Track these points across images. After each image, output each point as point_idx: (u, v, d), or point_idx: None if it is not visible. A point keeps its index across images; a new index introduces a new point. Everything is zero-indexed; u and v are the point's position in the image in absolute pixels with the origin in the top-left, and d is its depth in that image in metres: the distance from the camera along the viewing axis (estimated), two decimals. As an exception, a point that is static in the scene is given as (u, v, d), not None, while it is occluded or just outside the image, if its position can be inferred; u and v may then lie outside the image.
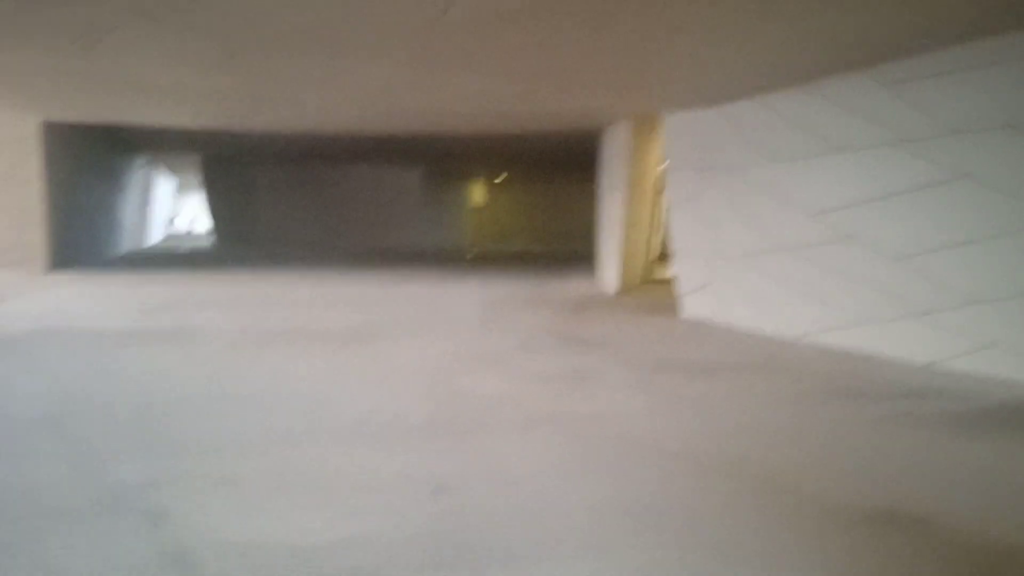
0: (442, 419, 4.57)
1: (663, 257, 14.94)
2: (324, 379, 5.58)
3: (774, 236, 7.59)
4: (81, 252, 15.58)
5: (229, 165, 22.69)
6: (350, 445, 4.04)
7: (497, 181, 28.90)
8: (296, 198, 23.17)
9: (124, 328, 7.70)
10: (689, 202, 8.87)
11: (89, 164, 15.90)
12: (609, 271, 12.12)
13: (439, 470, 3.62)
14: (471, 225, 28.49)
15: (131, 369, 5.81)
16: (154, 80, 8.18)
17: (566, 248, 25.10)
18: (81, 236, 15.68)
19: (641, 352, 6.83)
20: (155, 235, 26.56)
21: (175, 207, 34.86)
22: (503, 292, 11.60)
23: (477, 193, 28.99)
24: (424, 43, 6.14)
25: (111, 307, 9.26)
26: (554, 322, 8.57)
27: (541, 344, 7.14)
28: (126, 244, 19.66)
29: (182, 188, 32.20)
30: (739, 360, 6.60)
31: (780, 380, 5.82)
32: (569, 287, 12.58)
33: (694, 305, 8.93)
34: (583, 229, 29.32)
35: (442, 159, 20.82)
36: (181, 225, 37.46)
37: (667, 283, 13.16)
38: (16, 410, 4.63)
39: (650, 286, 12.66)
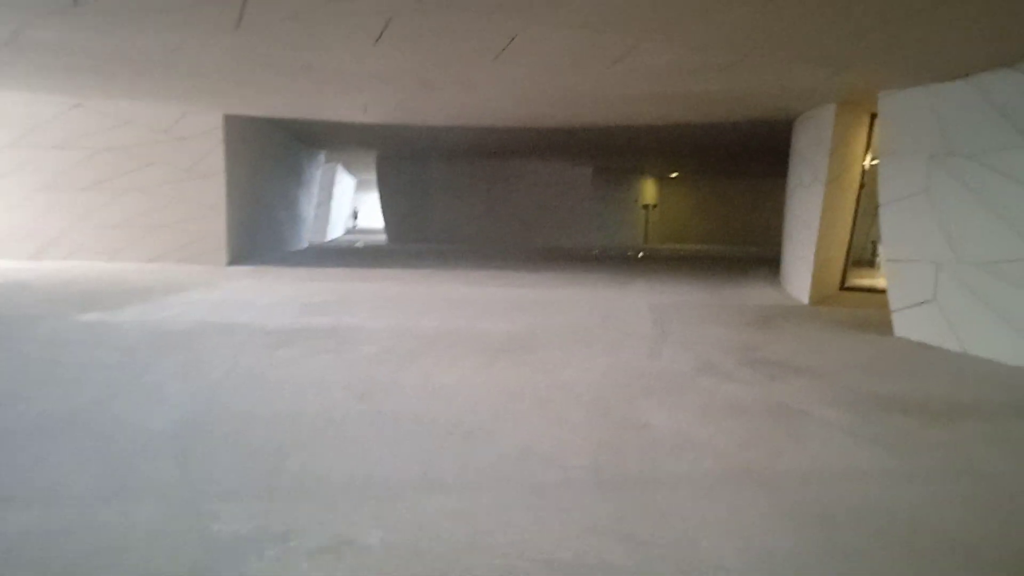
0: (610, 463, 3.72)
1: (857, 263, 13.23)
2: (477, 399, 4.90)
3: (1032, 241, 6.09)
4: (262, 245, 16.13)
5: (402, 162, 22.99)
6: (501, 496, 3.29)
7: (671, 177, 27.53)
8: (467, 195, 23.11)
9: (283, 326, 7.47)
10: (912, 197, 7.41)
11: (271, 159, 16.42)
12: (800, 277, 10.73)
13: (606, 551, 2.79)
14: (643, 223, 27.33)
15: (278, 375, 5.42)
16: (323, 64, 7.90)
17: (745, 250, 23.37)
18: (263, 230, 16.23)
19: (852, 383, 5.62)
20: (336, 230, 27.59)
21: (356, 203, 36.26)
22: (677, 298, 10.55)
23: (649, 190, 27.78)
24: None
25: (277, 303, 9.18)
26: (737, 338, 7.46)
27: (724, 366, 6.10)
28: (307, 238, 20.34)
29: (362, 185, 33.37)
30: (984, 399, 5.25)
31: (1050, 432, 4.48)
32: (752, 294, 11.29)
33: (912, 323, 7.48)
34: (764, 229, 27.39)
35: (614, 154, 19.89)
36: (362, 220, 38.98)
37: (869, 293, 11.56)
38: (143, 419, 4.29)
39: (848, 295, 11.12)
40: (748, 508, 3.19)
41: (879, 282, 12.90)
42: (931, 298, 7.20)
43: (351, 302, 9.43)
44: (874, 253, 16.42)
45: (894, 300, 7.72)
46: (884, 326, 8.12)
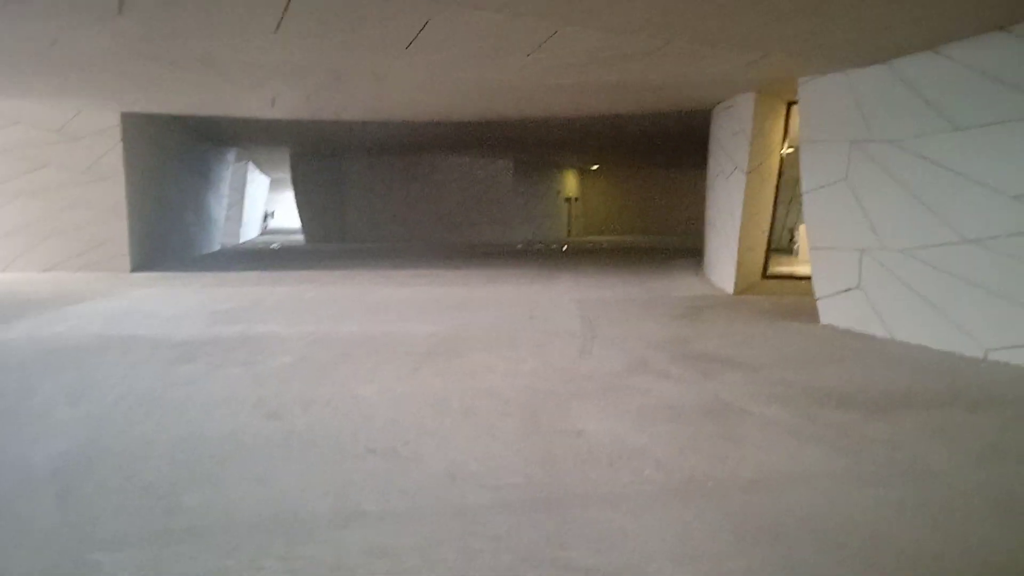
0: (544, 480, 3.44)
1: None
2: (399, 412, 4.55)
3: (954, 223, 6.09)
4: (169, 250, 15.28)
5: (318, 159, 22.27)
6: (427, 526, 2.96)
7: (592, 169, 27.60)
8: (386, 192, 22.56)
9: (189, 337, 6.93)
10: (834, 184, 7.40)
11: (176, 158, 15.56)
12: (724, 267, 10.73)
13: (543, 582, 2.50)
14: (565, 217, 27.29)
15: (179, 395, 4.94)
16: (224, 56, 7.36)
17: (667, 240, 23.58)
18: (169, 233, 15.37)
19: (786, 376, 5.51)
20: (250, 231, 26.57)
21: (270, 203, 35.10)
22: (603, 292, 10.39)
23: (571, 183, 27.76)
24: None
25: (184, 311, 8.59)
26: (667, 332, 7.31)
27: (657, 363, 5.92)
28: (219, 241, 19.45)
29: (278, 184, 32.28)
30: (918, 387, 5.20)
31: (991, 418, 4.42)
32: (677, 285, 11.24)
33: (837, 311, 7.48)
34: (684, 219, 27.73)
35: (535, 147, 19.70)
36: (279, 221, 37.77)
37: (789, 280, 11.68)
38: (22, 451, 3.78)
39: (770, 283, 11.18)
40: (695, 524, 2.95)
41: (798, 269, 13.08)
42: (856, 285, 7.20)
43: (264, 308, 8.90)
44: (791, 240, 16.72)
45: (819, 288, 7.71)
46: (809, 314, 8.12)
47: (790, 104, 10.40)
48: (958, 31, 5.75)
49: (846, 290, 7.33)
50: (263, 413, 4.51)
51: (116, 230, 13.17)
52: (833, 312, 7.53)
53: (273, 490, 3.33)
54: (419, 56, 7.15)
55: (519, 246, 20.27)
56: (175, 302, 9.41)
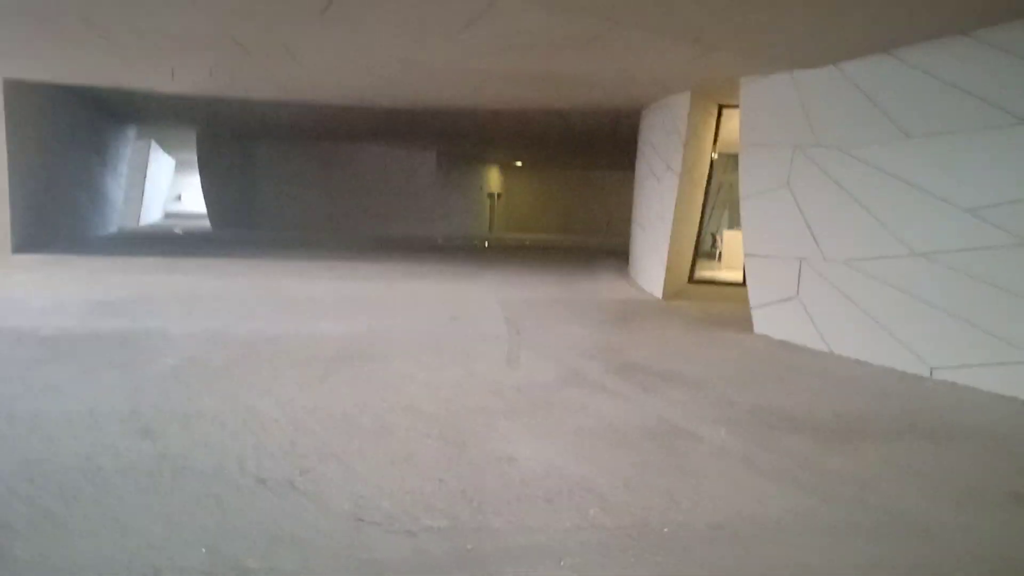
0: (471, 523, 2.87)
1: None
2: (300, 430, 3.89)
3: (901, 235, 5.82)
4: (58, 231, 13.96)
5: (227, 141, 21.01)
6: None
7: (516, 166, 27.16)
8: (299, 179, 21.47)
9: (62, 332, 6.05)
10: (775, 190, 7.08)
11: (66, 133, 14.21)
12: (652, 271, 10.39)
13: None
14: (487, 212, 26.76)
15: (36, 405, 4.14)
16: (107, 18, 6.48)
17: (589, 240, 23.34)
18: (58, 213, 14.04)
19: (730, 393, 5.10)
20: (152, 214, 24.96)
21: (176, 185, 33.26)
22: (528, 293, 9.89)
23: (495, 178, 27.25)
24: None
25: (61, 301, 7.62)
26: (598, 338, 6.85)
27: (590, 374, 5.43)
28: (116, 223, 18.05)
29: (185, 166, 30.54)
30: (870, 411, 4.87)
31: (956, 452, 4.10)
32: (604, 288, 10.84)
33: (773, 321, 7.19)
34: (607, 220, 27.62)
35: (459, 140, 19.06)
36: (184, 204, 35.89)
37: (715, 285, 11.47)
38: None
39: (696, 288, 10.92)
40: (655, 586, 2.45)
41: (722, 274, 12.93)
42: (794, 295, 6.90)
43: (156, 300, 8.00)
44: (713, 245, 16.65)
45: (754, 297, 7.40)
46: (742, 322, 7.82)
47: (721, 107, 10.15)
48: (916, 34, 5.47)
49: (783, 300, 7.03)
50: (134, 430, 3.78)
51: (-6, 208, 11.87)
52: (768, 322, 7.24)
53: (130, 537, 2.65)
54: (335, 29, 6.45)
55: (440, 240, 19.60)
56: (54, 289, 8.39)
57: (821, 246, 6.59)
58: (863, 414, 4.75)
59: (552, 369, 5.53)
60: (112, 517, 2.80)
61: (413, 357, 5.76)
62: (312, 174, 21.43)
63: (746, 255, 7.55)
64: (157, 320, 6.79)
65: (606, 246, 20.03)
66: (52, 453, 3.42)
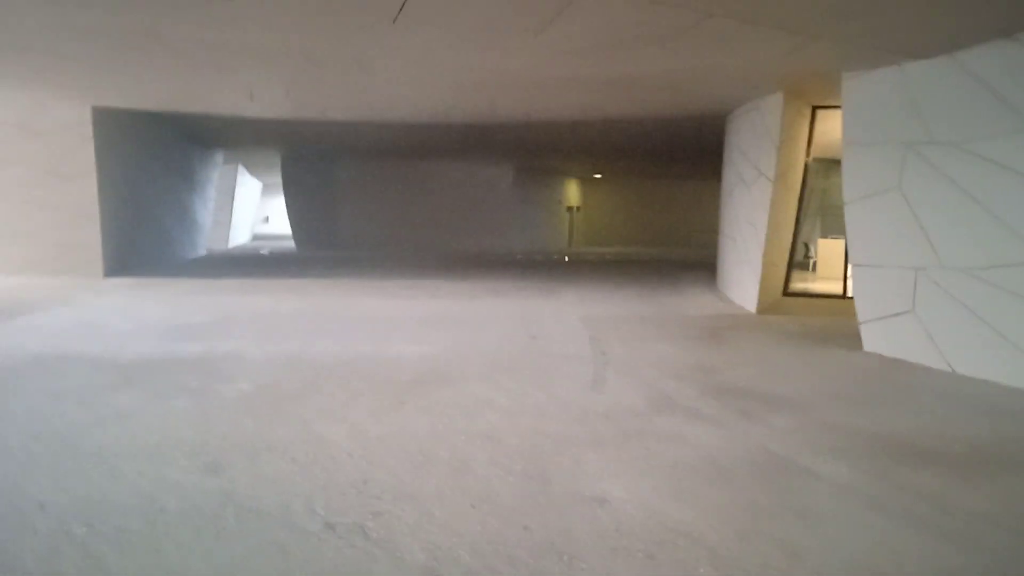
0: (559, 580, 2.51)
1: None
2: (372, 463, 3.61)
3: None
4: (148, 255, 14.34)
5: (309, 163, 21.36)
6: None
7: (595, 178, 26.74)
8: (379, 198, 21.62)
9: (140, 357, 6.00)
10: (884, 193, 6.48)
11: (156, 159, 14.62)
12: (744, 282, 9.82)
13: None
14: (566, 226, 26.41)
15: (102, 437, 4.00)
16: (170, 31, 6.45)
17: (671, 252, 22.67)
18: (148, 237, 14.43)
19: (842, 419, 4.58)
20: (240, 236, 25.63)
21: (263, 207, 34.20)
22: (611, 309, 9.46)
23: (573, 192, 26.90)
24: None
25: (144, 324, 7.66)
26: (690, 358, 6.39)
27: (684, 399, 4.99)
28: (204, 246, 18.50)
29: (271, 188, 31.34)
30: (1005, 437, 4.27)
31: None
32: (691, 302, 10.32)
33: (885, 337, 6.56)
34: (689, 231, 26.84)
35: (535, 154, 18.81)
36: (271, 226, 36.86)
37: (812, 298, 10.78)
38: None
39: (792, 302, 10.27)
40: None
41: (819, 286, 12.20)
42: (909, 309, 6.28)
43: (236, 321, 7.96)
44: (806, 255, 15.83)
45: (863, 310, 6.79)
46: (848, 338, 7.21)
47: (815, 109, 9.55)
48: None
49: (896, 314, 6.41)
50: (200, 465, 3.58)
51: (88, 233, 12.25)
52: (879, 338, 6.61)
53: (185, 594, 2.40)
54: (406, 36, 6.24)
55: (518, 256, 19.34)
56: (139, 313, 8.47)
57: (939, 254, 5.97)
58: (1000, 442, 4.17)
59: (641, 393, 5.12)
60: (168, 569, 2.56)
61: (492, 380, 5.44)
62: (391, 193, 21.55)
63: (853, 265, 6.95)
64: (235, 343, 6.70)
65: (689, 258, 19.38)
66: (113, 491, 3.24)
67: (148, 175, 14.26)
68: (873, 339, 6.67)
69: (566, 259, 19.25)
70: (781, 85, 8.36)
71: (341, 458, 3.70)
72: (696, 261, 17.92)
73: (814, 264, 14.48)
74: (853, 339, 7.07)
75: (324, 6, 5.48)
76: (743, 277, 9.81)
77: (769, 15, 5.24)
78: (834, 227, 15.04)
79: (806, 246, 16.08)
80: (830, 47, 5.98)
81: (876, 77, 6.49)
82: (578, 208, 27.14)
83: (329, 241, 21.66)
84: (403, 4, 5.25)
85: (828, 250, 13.74)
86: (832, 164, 14.86)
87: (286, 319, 8.22)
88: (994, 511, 3.16)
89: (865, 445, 4.05)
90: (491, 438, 4.06)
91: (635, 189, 27.63)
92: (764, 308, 9.30)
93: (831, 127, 9.84)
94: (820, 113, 9.57)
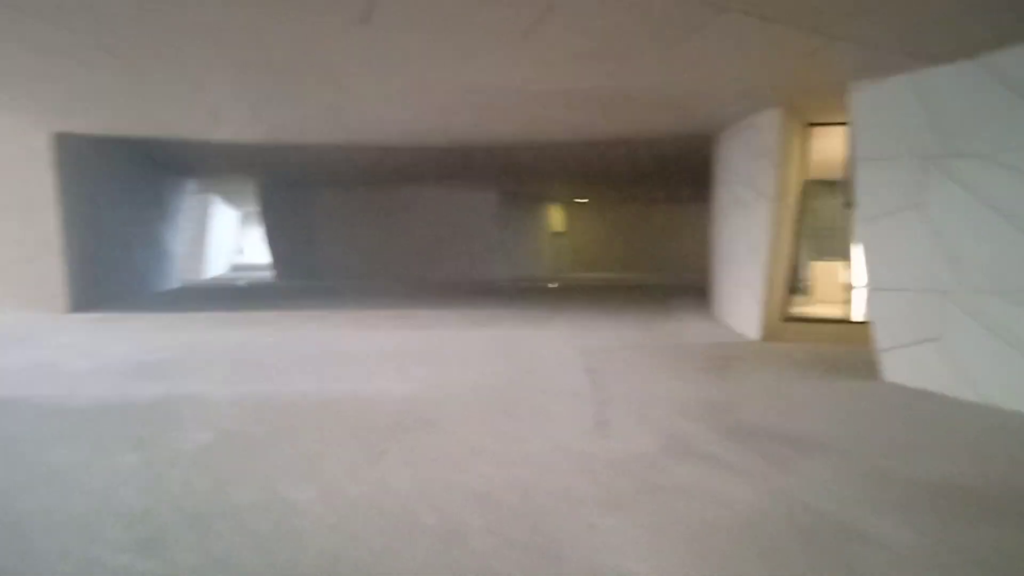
0: None
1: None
2: (345, 534, 3.03)
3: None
4: (118, 287, 13.65)
5: (286, 191, 20.76)
6: None
7: (580, 203, 26.33)
8: (359, 226, 21.02)
9: (92, 402, 5.38)
10: (901, 211, 6.02)
11: (124, 188, 13.99)
12: (744, 308, 9.34)
13: None
14: (552, 252, 25.93)
15: (34, 500, 3.39)
16: (126, 40, 5.91)
17: (659, 278, 22.24)
18: (117, 269, 13.75)
19: (882, 463, 4.05)
20: (216, 267, 24.93)
21: (239, 237, 33.48)
22: (606, 338, 8.93)
23: (557, 217, 26.46)
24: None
25: (104, 363, 7.03)
26: (698, 392, 5.85)
27: (701, 442, 4.44)
28: (178, 277, 17.81)
29: (250, 218, 30.68)
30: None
31: None
32: (689, 330, 9.81)
33: (907, 366, 6.05)
34: (676, 256, 26.44)
35: (519, 178, 18.36)
36: (247, 257, 36.11)
37: (813, 324, 10.28)
38: None
39: (794, 327, 9.77)
40: None
41: (817, 310, 11.73)
42: (935, 335, 5.78)
43: (203, 359, 7.34)
44: (797, 278, 15.41)
45: (882, 338, 6.28)
46: (863, 367, 6.71)
47: (809, 126, 9.16)
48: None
49: (920, 342, 5.91)
50: (136, 540, 2.97)
51: (49, 267, 11.59)
52: (901, 368, 6.11)
53: None
54: (378, 42, 5.72)
55: (503, 283, 18.80)
56: (99, 351, 7.82)
57: (966, 276, 5.49)
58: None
59: (650, 435, 4.57)
60: None
61: (483, 422, 4.87)
62: (372, 220, 20.98)
63: (869, 289, 6.46)
64: (200, 384, 6.08)
65: (679, 283, 18.93)
66: (51, 560, 2.63)
67: (116, 205, 13.62)
68: (894, 368, 6.17)
69: (553, 286, 18.73)
70: (780, 100, 7.95)
71: (308, 530, 3.11)
72: (685, 286, 17.47)
73: (808, 287, 14.05)
74: (869, 368, 6.57)
75: (285, 8, 4.97)
76: (741, 302, 9.33)
77: (789, 11, 4.77)
78: (825, 249, 14.68)
79: (797, 269, 15.67)
80: (846, 51, 5.52)
81: (890, 86, 6.05)
82: (563, 234, 26.70)
83: (308, 271, 21.02)
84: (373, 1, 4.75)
85: (823, 272, 13.31)
86: (822, 184, 14.55)
87: (259, 355, 7.61)
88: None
89: (915, 496, 3.52)
90: (486, 497, 3.48)
91: (620, 213, 27.24)
92: (767, 335, 8.80)
93: (823, 145, 9.45)
94: (815, 131, 9.19)
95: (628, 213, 27.06)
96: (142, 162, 14.59)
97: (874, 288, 6.37)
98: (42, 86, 7.53)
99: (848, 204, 8.16)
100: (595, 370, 6.76)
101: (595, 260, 27.34)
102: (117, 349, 7.99)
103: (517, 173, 16.94)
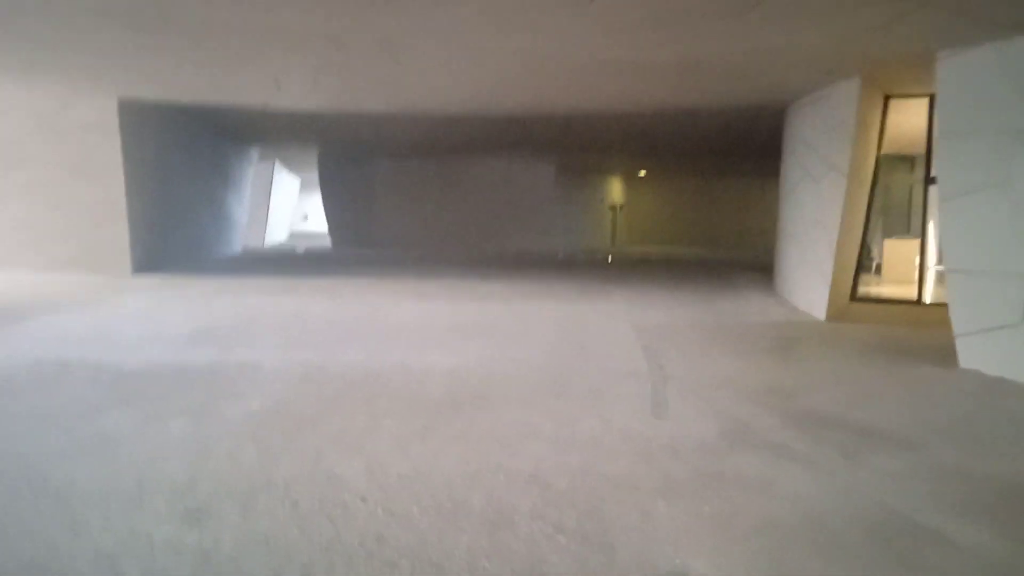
0: None
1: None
2: (390, 513, 2.94)
3: None
4: (180, 252, 13.92)
5: (345, 160, 20.88)
6: None
7: (639, 176, 25.84)
8: (416, 196, 21.03)
9: (146, 366, 5.44)
10: (987, 189, 5.62)
11: (188, 154, 14.20)
12: (811, 287, 8.97)
13: None
14: (609, 225, 25.57)
15: (82, 466, 3.39)
16: (185, 15, 5.87)
17: (718, 252, 21.72)
18: (180, 234, 14.02)
19: (960, 458, 3.78)
20: (277, 234, 25.29)
21: (301, 205, 33.93)
22: (664, 315, 8.69)
23: (616, 190, 26.04)
24: None
25: (161, 327, 7.13)
26: (762, 375, 5.61)
27: (764, 430, 4.22)
28: (240, 243, 18.10)
29: (310, 185, 31.00)
30: None
31: None
32: (751, 308, 9.48)
33: (986, 353, 5.69)
34: (737, 231, 25.79)
35: (578, 150, 18.03)
36: (312, 223, 36.60)
37: (882, 304, 9.84)
38: None
39: (862, 308, 9.36)
40: None
41: (887, 290, 11.24)
42: (1017, 322, 5.41)
43: (259, 325, 7.39)
44: (869, 256, 14.83)
45: (960, 322, 5.92)
46: (936, 352, 6.36)
47: (887, 98, 8.65)
48: None
49: (1001, 327, 5.54)
50: (181, 512, 2.93)
51: (115, 231, 11.86)
52: (979, 354, 5.75)
53: None
54: (437, 14, 5.56)
55: (560, 256, 18.60)
56: (158, 314, 7.96)
57: (1057, 259, 5.11)
58: None
59: (711, 420, 4.37)
60: None
61: (535, 401, 4.74)
62: (429, 190, 20.96)
63: (948, 271, 6.08)
64: (253, 351, 6.10)
65: (740, 259, 18.45)
66: (66, 551, 2.60)
67: (180, 171, 13.85)
68: (971, 355, 5.81)
69: (610, 259, 18.45)
70: (859, 70, 7.52)
71: (353, 505, 3.03)
72: (748, 262, 17.02)
73: (878, 266, 13.49)
74: (943, 353, 6.22)
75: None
76: (808, 280, 8.96)
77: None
78: (896, 227, 14.05)
79: (869, 247, 15.08)
80: (933, 17, 5.13)
81: (978, 56, 5.63)
82: (621, 207, 26.28)
83: (366, 239, 21.16)
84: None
85: (895, 252, 12.74)
86: (898, 159, 13.88)
87: (313, 323, 7.62)
88: None
89: (997, 495, 3.26)
90: (535, 480, 3.35)
91: (680, 187, 26.65)
92: (833, 315, 8.44)
93: (899, 119, 8.95)
94: (893, 104, 8.69)
95: (690, 187, 26.46)
96: (206, 130, 14.77)
97: (952, 270, 5.99)
98: (108, 53, 7.58)
99: (931, 180, 7.72)
100: (653, 348, 6.55)
101: (653, 234, 26.88)
102: (176, 312, 8.11)
103: (576, 145, 16.63)
